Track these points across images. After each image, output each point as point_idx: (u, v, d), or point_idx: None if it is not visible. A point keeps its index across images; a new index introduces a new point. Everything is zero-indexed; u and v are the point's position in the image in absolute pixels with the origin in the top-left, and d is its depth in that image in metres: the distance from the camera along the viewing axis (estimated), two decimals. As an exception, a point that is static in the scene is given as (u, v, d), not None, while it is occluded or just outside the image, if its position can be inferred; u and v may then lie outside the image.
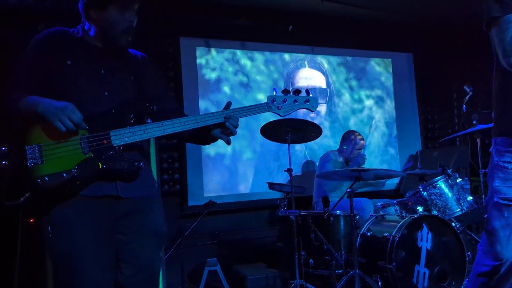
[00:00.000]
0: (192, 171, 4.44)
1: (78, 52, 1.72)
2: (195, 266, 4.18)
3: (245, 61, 4.80)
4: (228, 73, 4.72)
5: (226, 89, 4.69)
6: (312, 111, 1.89)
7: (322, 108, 5.16)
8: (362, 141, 4.19)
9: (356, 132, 4.31)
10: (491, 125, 3.15)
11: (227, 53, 4.73)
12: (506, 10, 1.68)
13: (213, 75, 4.65)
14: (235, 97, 4.69)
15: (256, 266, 3.92)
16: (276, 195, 4.35)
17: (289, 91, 1.84)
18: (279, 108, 1.81)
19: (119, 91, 1.74)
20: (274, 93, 1.84)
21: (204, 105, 4.56)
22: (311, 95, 1.86)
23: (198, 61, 4.60)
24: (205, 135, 1.83)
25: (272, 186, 3.70)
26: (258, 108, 1.80)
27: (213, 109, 4.59)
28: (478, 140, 3.98)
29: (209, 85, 4.62)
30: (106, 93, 1.71)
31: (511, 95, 1.81)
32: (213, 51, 4.68)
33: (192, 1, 4.35)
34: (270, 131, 3.39)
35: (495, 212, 1.82)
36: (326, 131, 5.11)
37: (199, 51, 4.61)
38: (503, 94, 1.84)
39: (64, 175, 1.56)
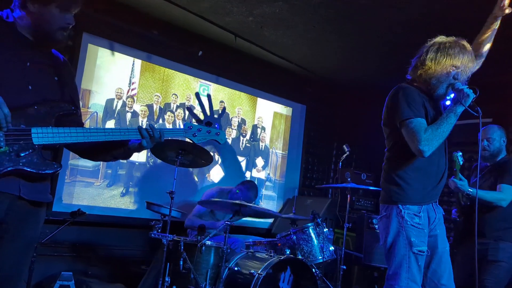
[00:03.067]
0: (65, 174, 4.08)
1: (6, 38, 1.60)
2: (44, 277, 3.78)
3: (146, 73, 4.67)
4: (126, 81, 4.54)
5: (119, 103, 4.47)
6: (220, 144, 2.08)
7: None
8: (249, 201, 4.08)
9: (255, 187, 4.31)
10: (362, 186, 3.50)
11: (130, 60, 4.56)
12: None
13: (110, 79, 4.42)
14: (127, 105, 4.51)
15: (114, 286, 3.68)
16: (153, 216, 4.20)
17: (202, 121, 2.01)
18: (194, 135, 1.95)
19: (42, 88, 1.64)
20: (190, 121, 1.96)
21: (91, 107, 4.28)
22: (221, 130, 2.05)
23: (98, 61, 4.35)
24: (121, 148, 1.82)
25: (150, 205, 3.58)
26: (175, 132, 1.98)
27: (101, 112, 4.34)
28: (349, 196, 4.38)
29: (103, 88, 4.37)
30: (30, 87, 1.60)
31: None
32: (116, 55, 4.48)
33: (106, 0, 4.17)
34: (160, 150, 3.31)
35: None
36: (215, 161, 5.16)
37: (101, 52, 4.37)
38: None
39: None
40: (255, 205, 3.53)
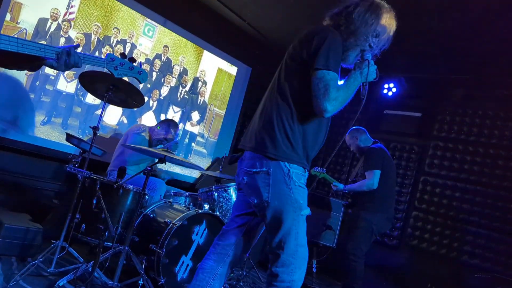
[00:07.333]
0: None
1: None
2: None
3: (87, 3, 4.32)
4: (65, 2, 4.17)
5: (53, 25, 4.12)
6: (141, 83, 2.02)
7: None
8: (171, 136, 4.16)
9: (176, 124, 4.27)
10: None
11: (74, -18, 4.19)
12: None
13: (43, 5, 4.04)
14: (62, 29, 4.17)
15: (19, 215, 3.48)
16: (72, 149, 4.00)
17: (126, 56, 1.90)
18: (116, 68, 1.86)
19: None
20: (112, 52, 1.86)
21: (21, 23, 3.90)
22: (144, 69, 1.97)
23: (36, -26, 3.93)
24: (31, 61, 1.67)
25: (70, 138, 3.38)
26: (96, 61, 1.82)
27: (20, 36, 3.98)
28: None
29: (37, 5, 3.98)
30: None
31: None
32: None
33: None
34: (90, 81, 3.10)
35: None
36: (148, 107, 4.99)
37: (41, -36, 3.95)
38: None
39: None
40: (182, 159, 3.46)
